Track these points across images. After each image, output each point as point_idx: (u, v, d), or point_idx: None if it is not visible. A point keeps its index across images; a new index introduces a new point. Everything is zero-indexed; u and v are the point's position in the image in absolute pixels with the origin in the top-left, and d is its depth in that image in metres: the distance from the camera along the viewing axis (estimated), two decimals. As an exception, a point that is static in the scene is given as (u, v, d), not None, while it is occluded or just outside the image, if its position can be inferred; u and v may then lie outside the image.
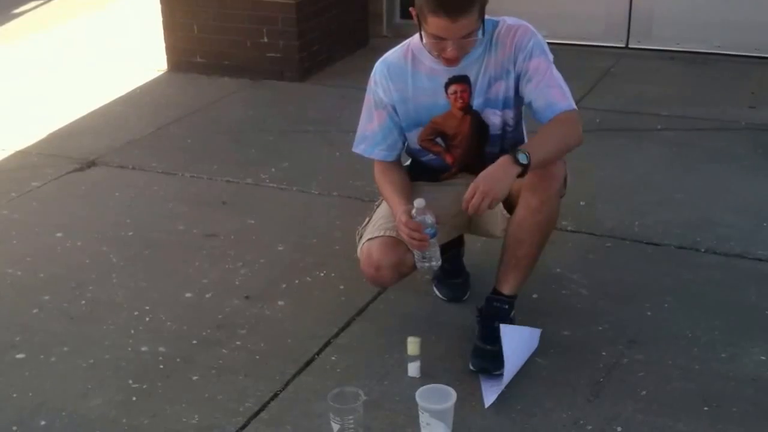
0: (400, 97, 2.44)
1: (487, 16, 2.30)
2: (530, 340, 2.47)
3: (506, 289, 2.44)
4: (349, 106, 4.57)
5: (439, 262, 2.35)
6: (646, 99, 4.57)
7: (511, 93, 2.38)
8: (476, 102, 2.40)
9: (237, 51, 5.21)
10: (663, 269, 2.93)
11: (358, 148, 2.56)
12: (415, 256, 2.35)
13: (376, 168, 2.55)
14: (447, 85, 2.39)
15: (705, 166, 3.74)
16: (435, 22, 2.20)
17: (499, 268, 2.45)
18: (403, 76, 2.43)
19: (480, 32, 2.29)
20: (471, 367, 2.40)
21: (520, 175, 2.22)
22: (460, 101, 2.40)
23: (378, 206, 2.59)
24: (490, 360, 2.38)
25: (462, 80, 2.38)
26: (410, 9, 2.29)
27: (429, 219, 2.28)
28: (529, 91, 2.34)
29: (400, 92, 2.43)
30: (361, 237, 2.52)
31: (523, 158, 2.20)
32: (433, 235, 2.29)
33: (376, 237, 2.43)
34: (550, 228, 2.40)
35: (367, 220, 2.57)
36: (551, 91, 2.32)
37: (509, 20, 2.38)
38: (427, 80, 2.41)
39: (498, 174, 2.20)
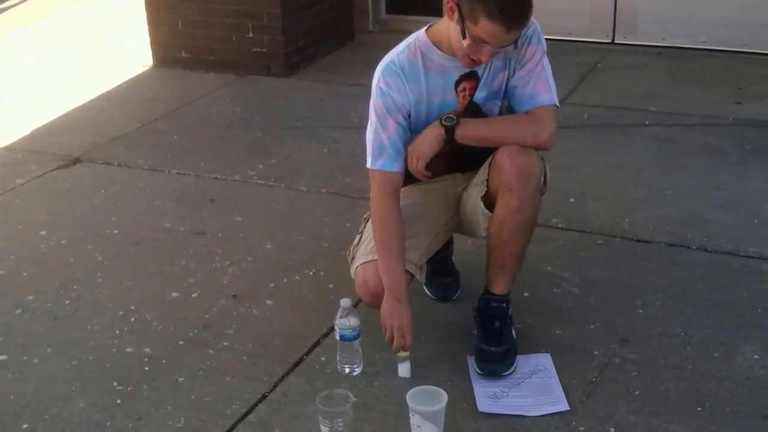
0: (416, 99, 2.33)
1: None
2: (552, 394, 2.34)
3: (498, 290, 2.42)
4: (337, 101, 4.56)
5: (361, 368, 2.40)
6: (633, 94, 4.55)
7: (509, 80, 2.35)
8: (479, 95, 2.35)
9: (222, 46, 5.17)
10: (654, 267, 2.91)
11: (377, 164, 2.32)
12: (338, 358, 2.40)
13: (379, 188, 2.33)
14: (457, 83, 2.33)
15: (693, 162, 3.72)
16: (487, 27, 2.10)
17: (488, 269, 2.43)
18: (417, 77, 2.32)
19: None
20: (478, 371, 2.35)
21: (448, 141, 2.27)
22: (468, 98, 2.36)
23: (367, 221, 2.50)
24: (497, 362, 2.35)
25: (472, 77, 2.33)
26: (448, 1, 2.16)
27: (353, 321, 2.34)
28: (517, 77, 2.31)
29: (415, 94, 2.33)
30: (353, 258, 2.45)
31: (447, 120, 2.27)
32: (355, 338, 2.35)
33: (370, 261, 2.37)
34: (532, 226, 2.37)
35: (357, 238, 2.50)
36: (538, 84, 2.30)
37: None
38: (438, 78, 2.33)
39: (424, 134, 2.31)
